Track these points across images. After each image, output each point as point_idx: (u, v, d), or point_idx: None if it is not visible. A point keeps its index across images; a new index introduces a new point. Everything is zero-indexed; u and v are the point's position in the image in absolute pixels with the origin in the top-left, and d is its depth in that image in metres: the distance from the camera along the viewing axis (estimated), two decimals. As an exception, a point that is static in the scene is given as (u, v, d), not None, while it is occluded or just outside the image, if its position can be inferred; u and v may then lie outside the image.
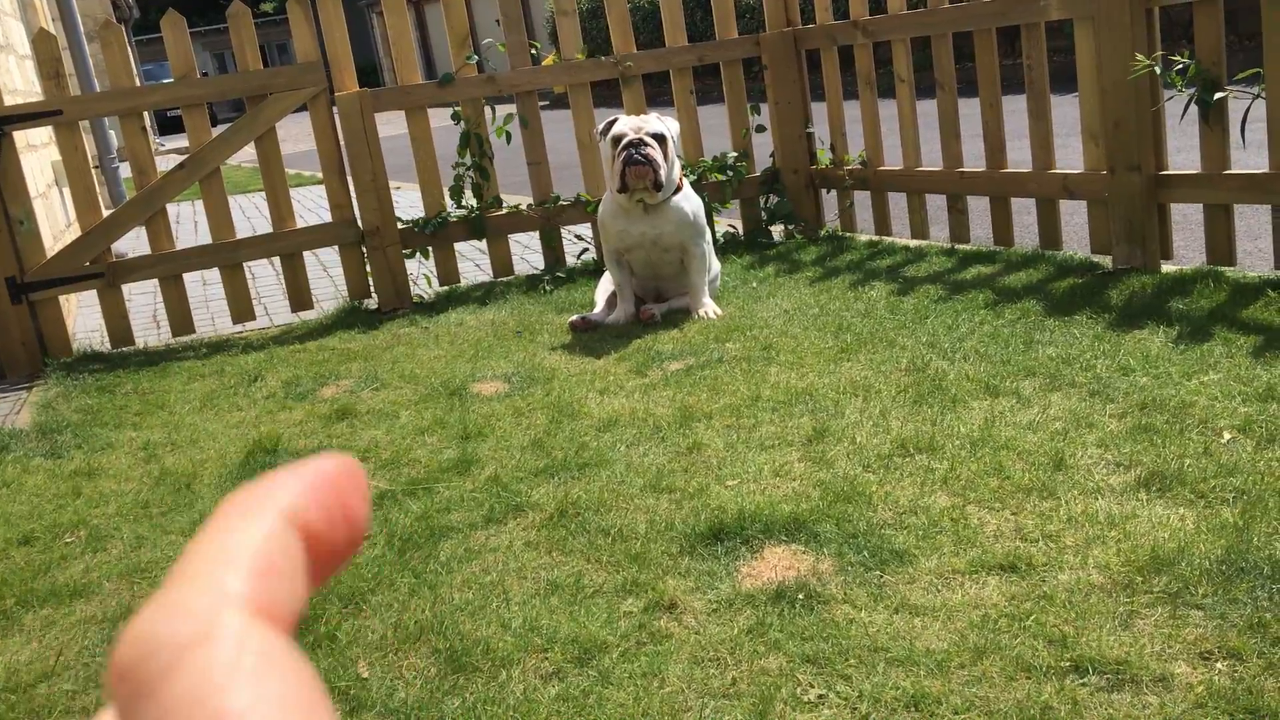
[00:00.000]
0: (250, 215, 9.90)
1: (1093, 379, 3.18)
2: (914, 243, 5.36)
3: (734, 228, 5.93)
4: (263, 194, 6.00)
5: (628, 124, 4.40)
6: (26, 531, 3.00)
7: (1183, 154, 5.98)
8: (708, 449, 3.04)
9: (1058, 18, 4.36)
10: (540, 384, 3.82)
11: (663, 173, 4.33)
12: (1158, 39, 4.05)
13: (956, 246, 5.10)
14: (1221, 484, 2.46)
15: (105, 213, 5.17)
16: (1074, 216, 5.39)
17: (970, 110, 5.27)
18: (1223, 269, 4.02)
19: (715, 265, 4.76)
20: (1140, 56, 3.94)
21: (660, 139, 4.36)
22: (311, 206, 9.90)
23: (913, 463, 2.78)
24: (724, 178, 5.74)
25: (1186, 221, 4.99)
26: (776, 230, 5.87)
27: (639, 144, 4.29)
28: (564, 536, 2.60)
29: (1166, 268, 4.21)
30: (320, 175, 5.74)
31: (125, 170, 6.47)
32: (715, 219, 5.78)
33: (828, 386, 3.40)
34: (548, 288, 5.30)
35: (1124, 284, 4.03)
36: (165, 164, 19.78)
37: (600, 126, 4.53)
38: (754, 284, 4.92)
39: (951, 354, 3.54)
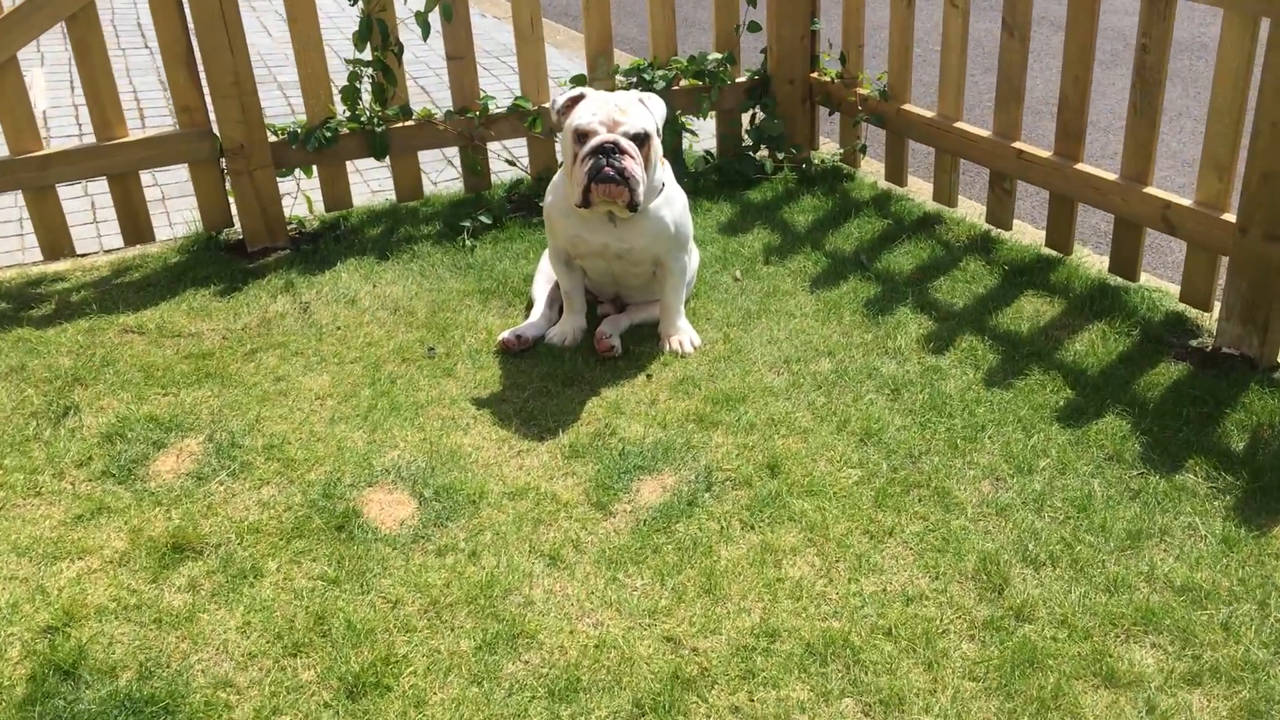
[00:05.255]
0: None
1: (1243, 659, 2.27)
2: (934, 206, 4.27)
3: (710, 156, 4.64)
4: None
5: (599, 112, 3.07)
6: None
7: None
8: (712, 782, 2.09)
9: (1203, 1, 3.14)
10: (463, 517, 2.75)
11: (641, 190, 3.08)
12: (1352, 72, 2.90)
13: (994, 232, 4.03)
14: None
15: None
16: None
17: (1036, 61, 4.06)
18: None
19: (694, 262, 3.61)
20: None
21: (643, 139, 3.08)
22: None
23: None
24: (701, 84, 4.46)
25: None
26: (761, 155, 4.66)
27: (613, 150, 3.02)
28: None
29: (1284, 357, 3.25)
30: None
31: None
32: (686, 127, 4.54)
33: (869, 621, 2.42)
34: (468, 241, 4.09)
35: (1243, 404, 3.04)
36: None
37: (560, 101, 3.18)
38: (736, 273, 3.81)
39: (1035, 557, 2.57)
